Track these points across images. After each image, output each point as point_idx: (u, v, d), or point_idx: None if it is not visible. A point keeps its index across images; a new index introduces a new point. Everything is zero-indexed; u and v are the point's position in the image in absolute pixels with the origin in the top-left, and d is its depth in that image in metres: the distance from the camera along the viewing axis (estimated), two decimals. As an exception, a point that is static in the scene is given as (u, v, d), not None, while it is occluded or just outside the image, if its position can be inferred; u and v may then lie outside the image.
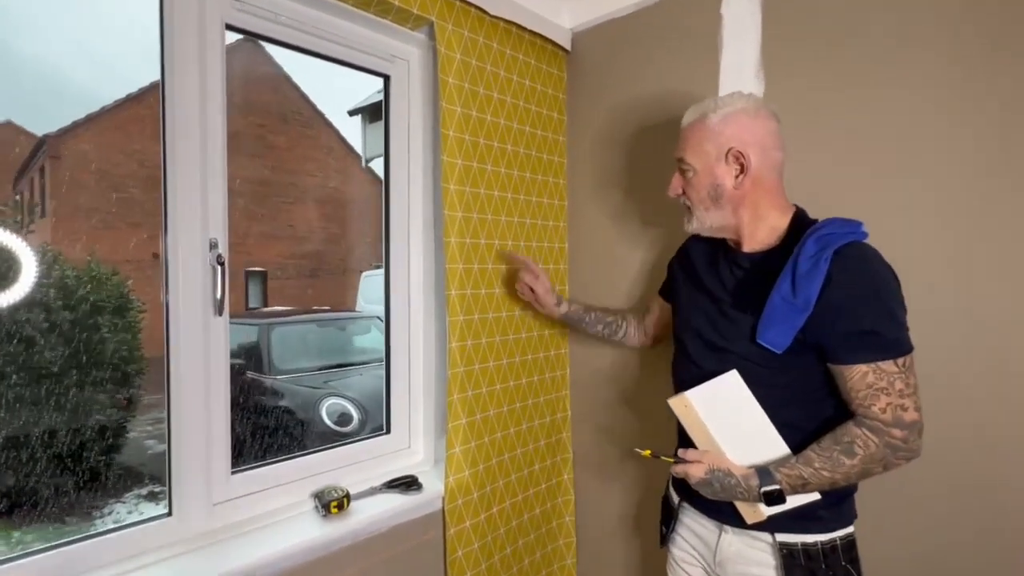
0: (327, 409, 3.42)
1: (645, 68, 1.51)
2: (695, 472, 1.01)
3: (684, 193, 1.09)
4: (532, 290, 1.40)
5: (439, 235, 1.43)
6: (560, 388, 1.68)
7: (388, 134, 1.46)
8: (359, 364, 4.07)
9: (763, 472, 0.97)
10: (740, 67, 1.33)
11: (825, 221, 1.00)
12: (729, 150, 1.02)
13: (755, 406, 1.00)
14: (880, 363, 0.92)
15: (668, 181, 1.13)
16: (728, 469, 0.99)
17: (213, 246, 1.11)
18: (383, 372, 1.49)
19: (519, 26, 1.50)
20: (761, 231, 1.06)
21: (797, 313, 0.95)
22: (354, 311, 5.58)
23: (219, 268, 1.10)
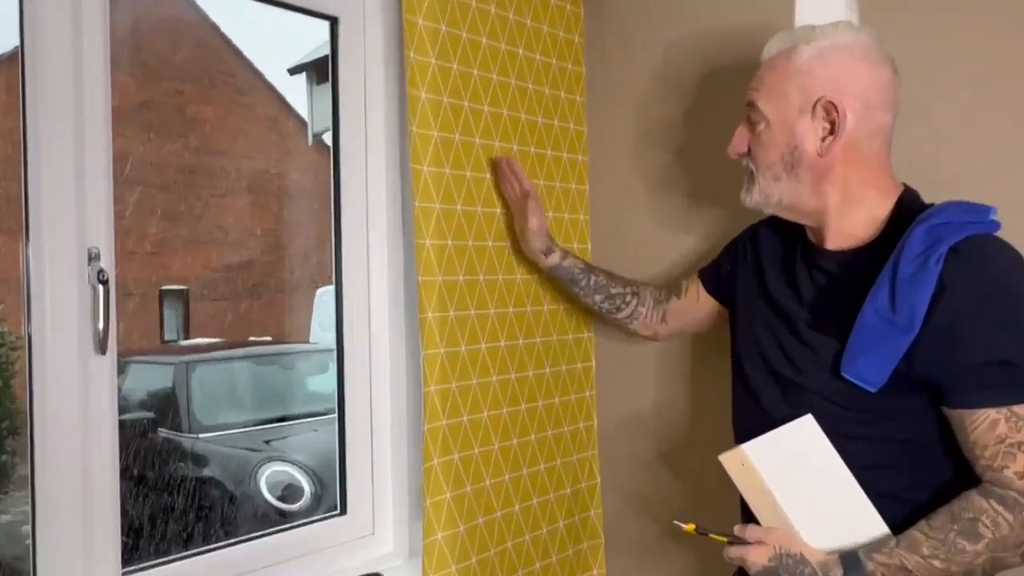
0: (268, 480, 3.40)
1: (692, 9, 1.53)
2: (755, 558, 1.00)
3: (749, 152, 1.11)
4: (524, 214, 1.43)
5: (409, 236, 1.43)
6: (584, 446, 1.68)
7: (336, 97, 1.47)
8: (313, 416, 4.02)
9: (850, 560, 0.95)
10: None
11: (941, 206, 0.99)
12: (818, 100, 1.02)
13: (839, 466, 0.99)
14: (1017, 407, 0.91)
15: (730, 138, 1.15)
16: (800, 555, 0.98)
17: (93, 257, 1.11)
18: (336, 428, 1.49)
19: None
20: (853, 219, 1.05)
21: (898, 335, 0.94)
22: (307, 342, 5.60)
23: (101, 288, 1.10)
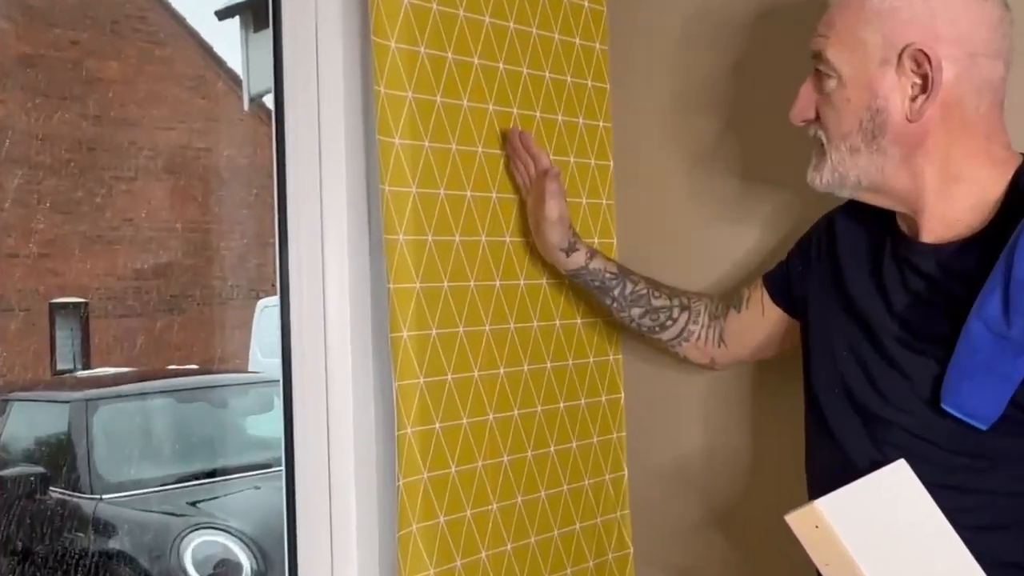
0: (195, 554, 3.42)
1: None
2: None
3: (818, 118, 1.13)
4: (540, 199, 1.46)
5: (377, 230, 1.44)
6: (611, 505, 1.68)
7: (280, 49, 1.48)
8: (254, 470, 4.06)
9: None
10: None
11: None
12: (905, 48, 1.03)
13: (942, 526, 0.99)
14: None
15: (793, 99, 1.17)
16: None
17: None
18: (283, 486, 1.51)
19: None
20: (956, 203, 1.06)
21: (1014, 355, 0.94)
22: (245, 372, 5.62)
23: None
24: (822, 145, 1.12)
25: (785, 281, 1.37)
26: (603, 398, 1.68)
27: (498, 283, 1.51)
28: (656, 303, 1.47)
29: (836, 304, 1.19)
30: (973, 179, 1.05)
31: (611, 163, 1.71)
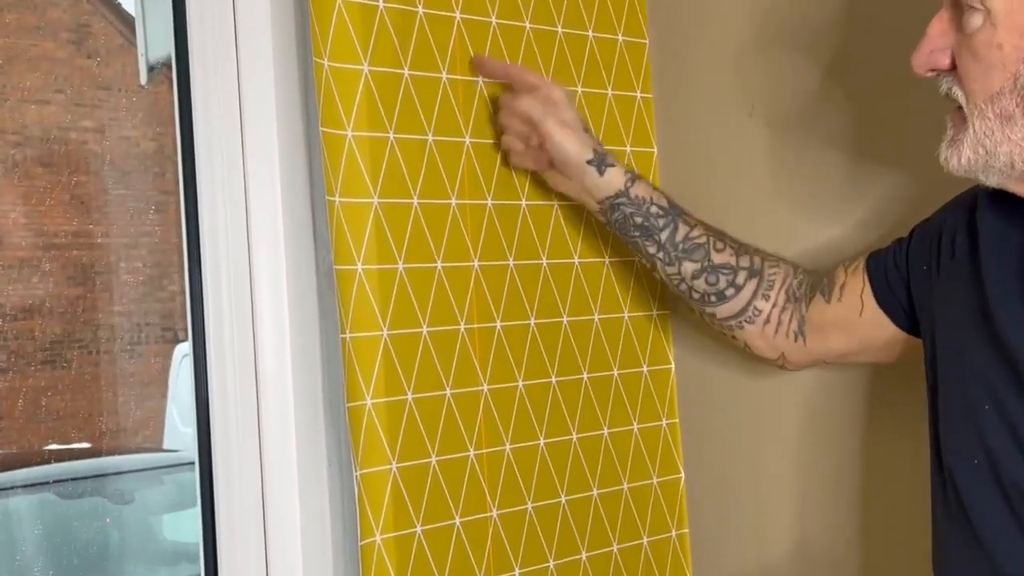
0: None
1: None
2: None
3: (953, 68, 1.13)
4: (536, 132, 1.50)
5: (325, 258, 1.49)
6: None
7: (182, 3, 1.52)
8: (170, 594, 4.20)
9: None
10: None
11: None
12: None
13: None
14: None
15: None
16: None
17: None
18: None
19: None
20: None
21: None
22: (159, 449, 5.60)
23: None
24: (960, 109, 1.13)
25: (899, 279, 1.38)
26: (654, 481, 1.73)
27: (498, 325, 1.55)
28: (717, 259, 1.49)
29: (976, 334, 1.19)
30: None
31: (652, 95, 1.78)
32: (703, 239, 1.50)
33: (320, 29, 1.38)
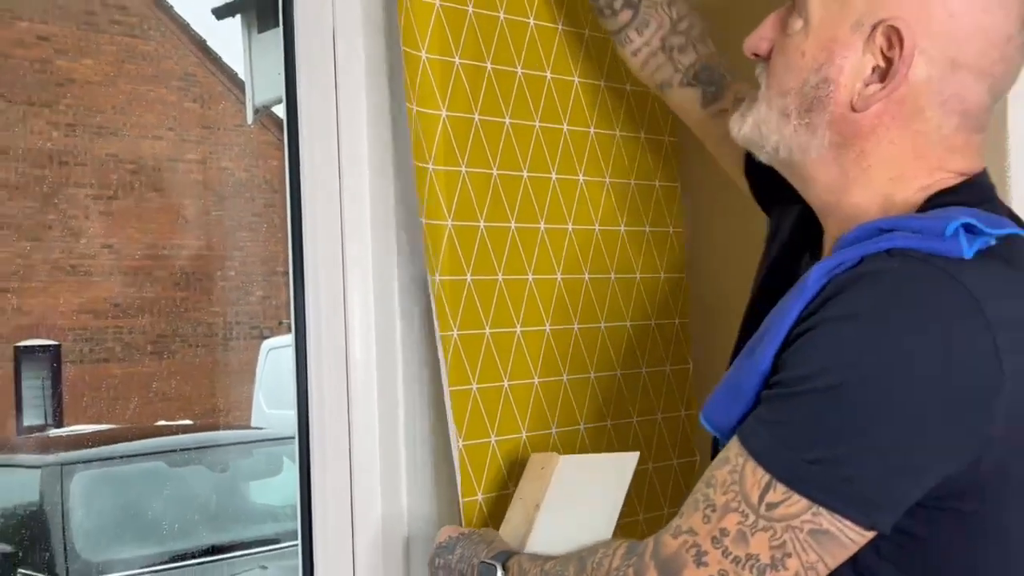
0: (190, 652, 3.48)
1: None
2: (447, 530, 1.32)
3: (769, 58, 1.13)
4: None
5: (419, 267, 1.49)
6: None
7: (292, 56, 1.54)
8: (260, 546, 4.05)
9: (503, 554, 1.20)
10: None
11: (926, 212, 0.99)
12: (884, 20, 1.01)
13: (613, 514, 1.24)
14: (752, 463, 0.94)
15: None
16: (492, 541, 1.26)
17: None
18: (299, 564, 1.53)
19: None
20: (865, 214, 1.04)
21: (752, 373, 0.99)
22: (248, 427, 5.61)
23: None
24: (758, 91, 1.13)
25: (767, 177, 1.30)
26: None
27: (548, 328, 1.55)
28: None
29: (760, 274, 1.28)
30: (901, 203, 1.04)
31: (679, 224, 1.78)
32: None
33: (409, 80, 1.39)
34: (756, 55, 1.13)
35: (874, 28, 1.00)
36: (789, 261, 1.21)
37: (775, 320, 0.98)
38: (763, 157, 1.14)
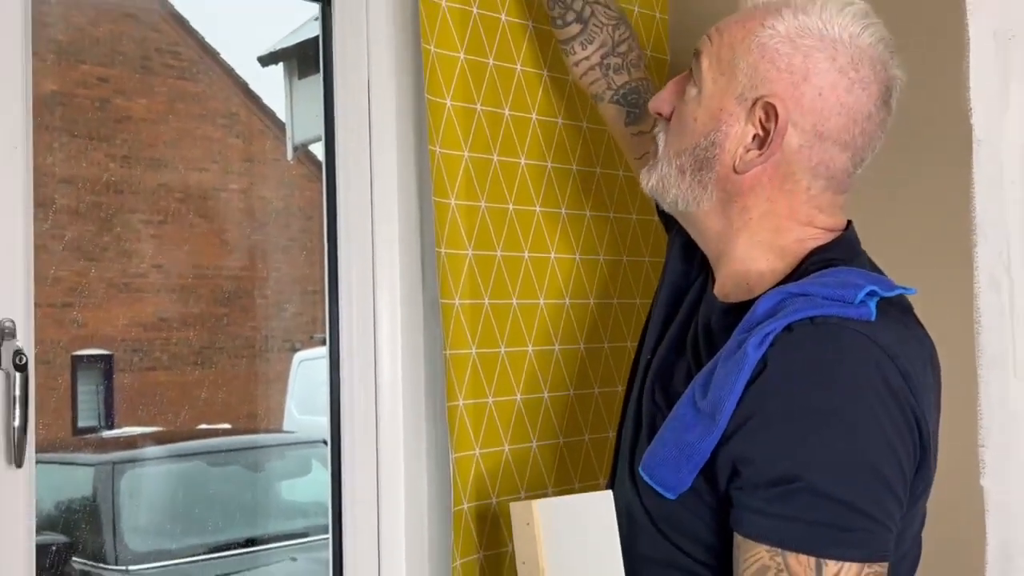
0: (225, 635, 3.56)
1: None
2: None
3: (670, 118, 1.15)
4: None
5: (432, 292, 1.49)
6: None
7: (331, 102, 1.55)
8: (290, 539, 4.05)
9: None
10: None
11: (825, 274, 1.02)
12: (763, 96, 1.05)
13: (616, 552, 1.14)
14: (793, 555, 0.93)
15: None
16: None
17: (7, 334, 1.17)
18: (329, 557, 1.53)
19: None
20: (752, 265, 1.09)
21: (703, 431, 0.98)
22: (280, 431, 5.64)
23: (17, 376, 1.16)
24: (658, 148, 1.15)
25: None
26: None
27: (557, 347, 1.54)
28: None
29: (655, 306, 1.26)
30: (778, 250, 1.08)
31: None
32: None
33: (434, 124, 1.40)
34: (659, 114, 1.16)
35: (755, 103, 1.05)
36: (684, 283, 1.23)
37: (722, 392, 0.97)
38: (666, 207, 1.17)
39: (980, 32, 1.37)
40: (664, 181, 1.13)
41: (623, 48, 1.44)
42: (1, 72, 1.19)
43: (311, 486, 4.33)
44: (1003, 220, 1.36)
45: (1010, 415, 1.35)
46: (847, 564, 0.91)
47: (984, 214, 1.38)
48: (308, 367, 5.41)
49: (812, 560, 0.91)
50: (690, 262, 1.22)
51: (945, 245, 1.39)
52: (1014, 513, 1.35)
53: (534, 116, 1.53)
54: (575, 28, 1.43)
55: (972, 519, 1.36)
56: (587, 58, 1.43)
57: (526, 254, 1.51)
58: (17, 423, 1.16)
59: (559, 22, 1.44)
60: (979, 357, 1.36)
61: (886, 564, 0.94)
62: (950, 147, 1.39)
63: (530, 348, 1.50)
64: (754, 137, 1.06)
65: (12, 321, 1.18)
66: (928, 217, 1.40)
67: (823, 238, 1.08)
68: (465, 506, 1.39)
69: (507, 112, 1.49)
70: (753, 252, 1.09)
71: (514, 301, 1.48)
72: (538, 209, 1.53)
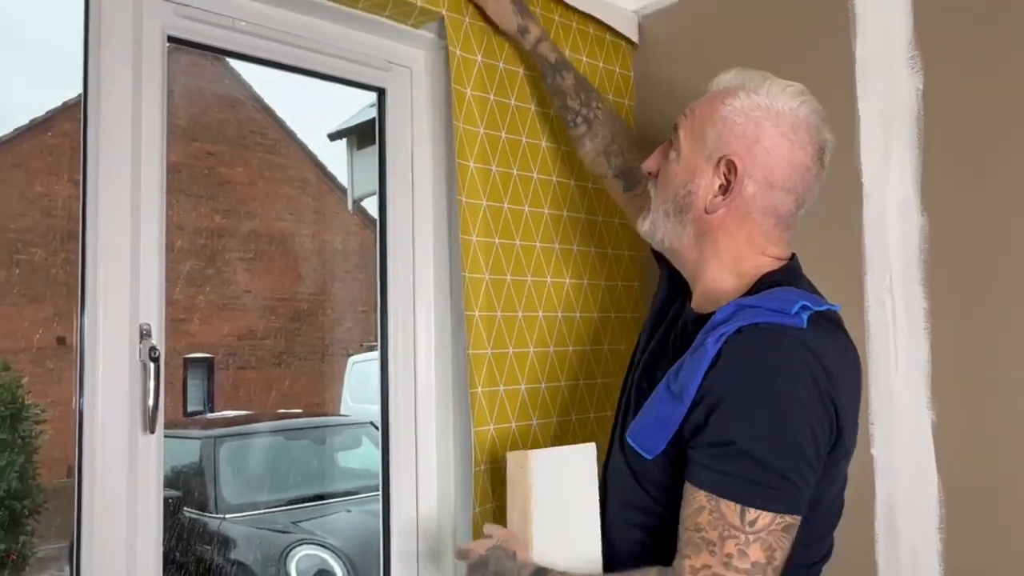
0: (299, 564, 3.42)
1: (748, 60, 1.56)
2: (475, 547, 1.12)
3: (657, 176, 1.16)
4: None
5: (458, 306, 1.50)
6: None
7: (384, 166, 1.56)
8: (345, 496, 4.02)
9: (539, 572, 1.08)
10: (886, 52, 1.38)
11: (770, 292, 1.02)
12: (726, 156, 1.06)
13: (594, 496, 1.14)
14: (725, 503, 0.93)
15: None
16: (513, 552, 1.10)
17: (145, 334, 1.18)
18: (379, 508, 1.53)
19: (565, 8, 1.60)
20: (719, 284, 1.10)
21: (673, 408, 0.99)
22: (338, 415, 5.64)
23: (152, 366, 1.17)
24: (651, 199, 1.16)
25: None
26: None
27: (552, 350, 1.53)
28: (570, 103, 1.46)
29: (644, 332, 1.24)
30: (738, 273, 1.09)
31: (641, 285, 1.74)
32: (567, 87, 1.46)
33: (460, 180, 1.41)
34: (650, 173, 1.17)
35: (719, 160, 1.07)
36: (669, 303, 1.23)
37: (688, 378, 0.98)
38: (655, 245, 1.18)
39: (868, 112, 1.39)
40: (654, 224, 1.14)
41: (619, 138, 1.46)
42: (147, 151, 1.22)
43: (361, 456, 4.32)
44: (886, 254, 1.38)
45: (893, 400, 1.36)
46: (764, 513, 0.92)
47: (872, 249, 1.39)
48: (359, 367, 5.44)
49: (738, 507, 0.92)
50: (674, 290, 1.22)
51: (842, 272, 1.40)
52: (895, 474, 1.35)
53: (535, 174, 1.54)
54: (583, 128, 1.46)
55: (865, 479, 1.36)
56: (593, 149, 1.46)
57: (528, 278, 1.51)
58: (151, 401, 1.18)
59: (571, 125, 1.47)
60: (868, 356, 1.37)
61: (798, 518, 0.94)
62: (845, 199, 1.41)
63: (531, 350, 1.50)
64: (720, 186, 1.07)
65: (149, 325, 1.19)
66: (831, 251, 1.41)
67: (773, 265, 1.09)
68: (482, 467, 1.39)
69: (515, 172, 1.50)
70: (720, 274, 1.09)
71: (519, 313, 1.48)
72: (538, 244, 1.54)
